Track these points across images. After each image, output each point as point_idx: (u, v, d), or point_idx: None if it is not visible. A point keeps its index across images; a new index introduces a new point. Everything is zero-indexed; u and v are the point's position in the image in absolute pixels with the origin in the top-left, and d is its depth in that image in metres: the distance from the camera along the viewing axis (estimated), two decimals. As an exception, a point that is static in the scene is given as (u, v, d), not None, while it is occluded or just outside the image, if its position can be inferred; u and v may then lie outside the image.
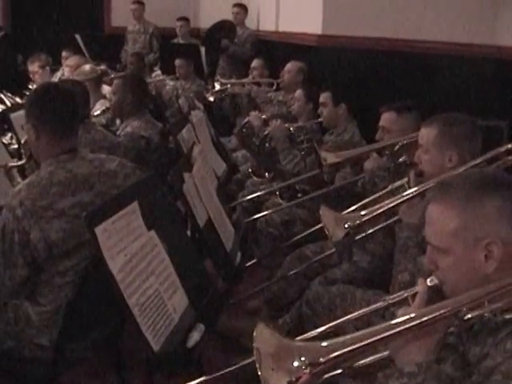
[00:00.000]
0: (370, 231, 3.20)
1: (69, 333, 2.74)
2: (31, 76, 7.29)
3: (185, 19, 9.84)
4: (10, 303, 2.86)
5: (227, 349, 3.83)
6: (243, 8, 8.99)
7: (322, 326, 2.06)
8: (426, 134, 2.99)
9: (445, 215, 1.91)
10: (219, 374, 2.27)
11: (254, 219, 4.59)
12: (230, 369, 2.27)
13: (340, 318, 2.13)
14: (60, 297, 2.79)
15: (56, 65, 7.91)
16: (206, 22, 9.62)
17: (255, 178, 5.52)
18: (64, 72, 7.05)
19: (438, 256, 1.94)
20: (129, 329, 3.11)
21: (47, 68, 7.29)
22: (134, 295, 2.21)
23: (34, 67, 7.23)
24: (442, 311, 1.75)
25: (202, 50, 8.33)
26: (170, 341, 2.31)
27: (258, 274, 4.64)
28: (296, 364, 1.66)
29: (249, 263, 4.21)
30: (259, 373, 1.66)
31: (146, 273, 2.32)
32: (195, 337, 2.40)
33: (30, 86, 7.20)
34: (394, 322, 1.78)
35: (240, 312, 4.32)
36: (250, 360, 1.92)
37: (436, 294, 1.91)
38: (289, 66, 6.41)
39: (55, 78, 7.53)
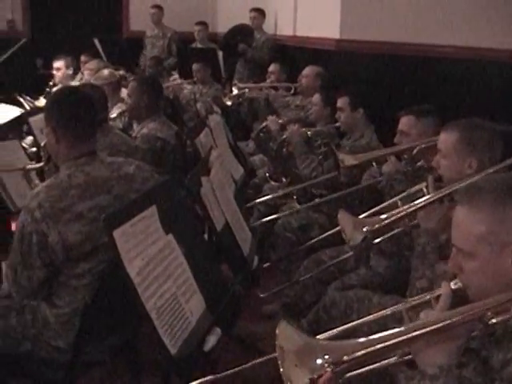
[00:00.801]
0: (388, 236, 3.20)
1: (86, 335, 2.74)
2: (54, 72, 7.34)
3: (203, 24, 9.86)
4: (28, 305, 2.88)
5: (243, 353, 3.83)
6: (261, 12, 8.98)
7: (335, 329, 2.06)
8: (446, 139, 2.97)
9: (472, 218, 1.90)
10: (237, 369, 2.26)
11: (269, 221, 4.60)
12: (248, 364, 2.26)
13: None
14: (77, 299, 2.79)
15: (75, 69, 7.97)
16: (223, 26, 9.64)
17: (272, 183, 5.52)
18: (82, 76, 7.10)
19: (463, 259, 1.92)
20: (145, 332, 3.13)
21: (71, 68, 7.36)
22: (152, 299, 2.21)
23: (59, 64, 7.31)
24: (466, 315, 1.74)
25: (220, 54, 8.33)
26: (187, 344, 2.30)
27: (274, 278, 4.63)
28: (319, 362, 1.66)
29: (264, 266, 4.21)
30: (281, 369, 1.67)
31: (163, 276, 2.32)
32: (212, 340, 2.40)
33: (51, 83, 7.25)
34: (417, 323, 1.78)
35: (256, 316, 4.32)
36: (271, 356, 1.92)
37: (458, 298, 1.90)
38: (306, 70, 6.41)
39: (74, 82, 7.58)
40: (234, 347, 3.81)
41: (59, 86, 7.00)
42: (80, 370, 2.86)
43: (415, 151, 3.60)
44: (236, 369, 2.23)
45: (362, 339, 1.73)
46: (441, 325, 1.72)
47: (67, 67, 7.34)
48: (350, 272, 3.68)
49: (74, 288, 2.80)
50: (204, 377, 2.26)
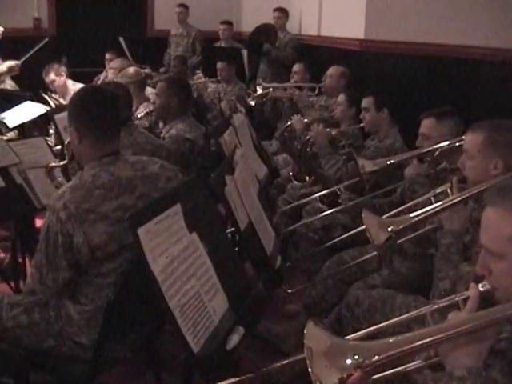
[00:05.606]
0: (411, 236, 3.19)
1: (109, 332, 2.76)
2: (50, 86, 7.38)
3: (228, 23, 9.88)
4: (52, 302, 2.89)
5: (265, 352, 3.83)
6: (284, 12, 8.94)
7: (361, 329, 2.06)
8: (472, 139, 2.95)
9: (502, 219, 1.88)
10: (264, 370, 2.28)
11: (293, 221, 4.61)
12: (276, 365, 2.28)
13: (379, 322, 2.12)
14: (101, 296, 2.80)
15: (99, 67, 8.00)
16: (248, 25, 9.64)
17: (296, 182, 5.52)
18: (107, 74, 7.13)
19: (492, 260, 1.91)
20: (167, 330, 3.14)
21: (62, 74, 7.39)
22: (175, 297, 2.22)
23: (49, 77, 7.35)
24: (496, 316, 1.73)
25: (245, 53, 8.33)
26: (210, 343, 2.30)
27: (297, 278, 4.64)
28: (349, 362, 1.67)
29: (287, 265, 4.21)
30: (310, 369, 1.67)
31: (187, 275, 2.33)
32: (235, 339, 2.40)
33: (54, 95, 7.26)
34: (446, 324, 1.77)
35: (278, 316, 4.32)
36: (300, 357, 1.94)
37: (485, 300, 1.89)
38: (331, 70, 6.39)
39: (99, 81, 7.63)
40: (255, 346, 3.82)
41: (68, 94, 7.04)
42: (102, 367, 2.87)
43: (437, 153, 3.59)
44: (263, 369, 2.24)
45: (391, 339, 1.73)
46: (470, 326, 1.71)
47: (58, 75, 7.37)
48: (372, 273, 3.68)
49: (98, 286, 2.82)
50: (225, 375, 2.27)
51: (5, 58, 7.52)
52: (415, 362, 1.92)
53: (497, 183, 2.63)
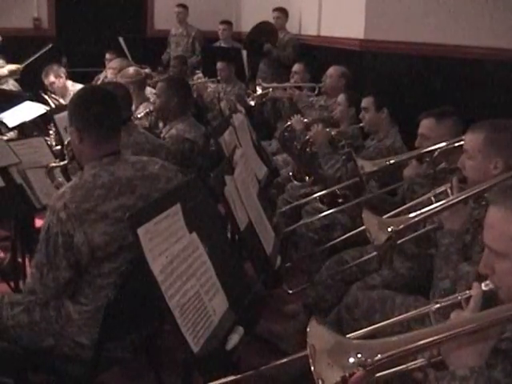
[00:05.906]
0: (411, 236, 3.18)
1: (109, 332, 2.76)
2: (49, 88, 7.37)
3: (228, 23, 9.88)
4: (52, 301, 2.89)
5: (265, 352, 3.83)
6: (284, 12, 8.93)
7: (361, 329, 2.06)
8: (472, 139, 2.95)
9: (506, 219, 1.88)
10: (263, 368, 2.28)
11: (292, 221, 4.61)
12: (276, 363, 2.28)
13: (379, 323, 2.12)
14: (101, 296, 2.80)
15: (99, 67, 8.00)
16: (247, 25, 9.62)
17: (295, 182, 5.52)
18: (107, 74, 7.13)
19: (496, 260, 1.91)
20: (167, 330, 3.14)
21: (62, 75, 7.38)
22: (175, 297, 2.22)
23: (49, 78, 7.33)
24: (499, 316, 1.72)
25: (244, 53, 8.33)
26: (210, 343, 2.30)
27: (297, 278, 4.63)
28: (352, 360, 1.67)
29: (287, 265, 4.21)
30: (312, 368, 1.67)
31: (186, 275, 2.32)
32: (234, 339, 2.40)
33: (54, 96, 7.26)
34: (449, 324, 1.77)
35: (278, 316, 4.32)
36: (301, 354, 1.94)
37: (488, 300, 1.89)
38: (331, 70, 6.39)
39: (99, 81, 7.63)
40: (255, 346, 3.82)
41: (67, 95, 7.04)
42: (102, 367, 2.87)
43: (436, 154, 3.58)
44: (262, 368, 2.24)
45: (394, 338, 1.73)
46: (473, 325, 1.71)
47: (58, 77, 7.36)
48: (372, 273, 3.67)
49: (98, 286, 2.81)
50: (225, 375, 2.26)
51: (4, 58, 7.53)
52: (418, 361, 1.92)
53: (500, 183, 2.64)
